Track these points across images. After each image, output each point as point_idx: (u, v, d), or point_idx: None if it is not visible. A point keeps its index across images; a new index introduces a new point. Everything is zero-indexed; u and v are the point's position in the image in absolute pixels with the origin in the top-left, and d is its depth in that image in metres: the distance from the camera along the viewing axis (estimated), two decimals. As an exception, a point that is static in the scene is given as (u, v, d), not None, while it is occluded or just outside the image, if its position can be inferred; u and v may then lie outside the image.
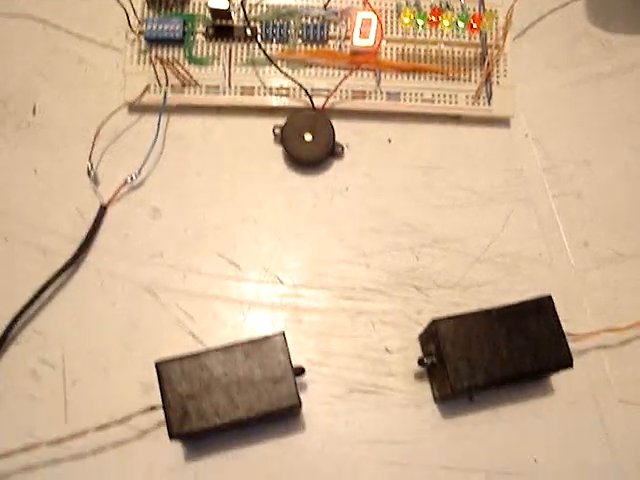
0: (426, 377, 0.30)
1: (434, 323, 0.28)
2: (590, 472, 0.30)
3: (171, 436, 0.26)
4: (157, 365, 0.27)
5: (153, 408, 0.27)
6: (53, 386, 0.30)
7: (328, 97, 0.33)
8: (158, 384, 0.27)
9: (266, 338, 0.27)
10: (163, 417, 0.27)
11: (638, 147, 0.35)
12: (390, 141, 0.35)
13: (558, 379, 0.31)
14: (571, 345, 0.28)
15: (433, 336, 0.28)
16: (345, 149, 0.34)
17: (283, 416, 0.29)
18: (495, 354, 0.28)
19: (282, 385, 0.27)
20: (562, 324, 0.28)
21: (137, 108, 0.34)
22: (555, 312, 0.28)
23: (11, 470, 0.28)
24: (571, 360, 0.28)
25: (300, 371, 0.28)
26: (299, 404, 0.27)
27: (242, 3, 0.33)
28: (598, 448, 0.30)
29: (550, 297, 0.29)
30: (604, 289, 0.32)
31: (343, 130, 0.34)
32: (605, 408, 0.30)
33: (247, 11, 0.34)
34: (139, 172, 0.33)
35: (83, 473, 0.29)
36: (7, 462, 0.28)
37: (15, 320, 0.30)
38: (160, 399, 0.27)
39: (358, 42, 0.33)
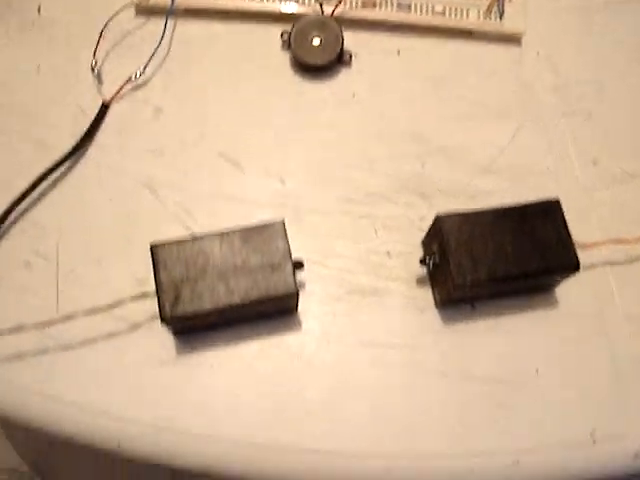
0: (428, 282, 0.30)
1: (438, 219, 0.27)
2: (591, 385, 0.29)
3: (162, 320, 0.26)
4: (152, 247, 0.26)
5: (145, 295, 0.27)
6: (46, 277, 0.29)
7: (337, 4, 0.33)
8: (152, 267, 0.26)
9: (265, 225, 0.27)
10: (156, 309, 0.26)
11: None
12: (399, 53, 0.34)
13: (562, 291, 0.30)
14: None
15: (437, 233, 0.28)
16: (353, 57, 0.33)
17: (279, 311, 0.28)
18: (499, 252, 0.27)
19: (279, 272, 0.26)
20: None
21: (144, 9, 0.34)
22: (563, 215, 0.28)
23: (-1, 358, 0.28)
24: (578, 264, 0.27)
25: (299, 265, 0.27)
26: (296, 292, 0.26)
27: None
28: (600, 361, 0.29)
29: (558, 201, 0.28)
30: (611, 206, 0.32)
31: (352, 39, 0.33)
32: (609, 322, 0.30)
33: None
34: (143, 71, 0.33)
35: (73, 363, 0.28)
36: None
37: (9, 210, 0.30)
38: (154, 286, 0.26)
39: (371, -52, 0.33)
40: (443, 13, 0.34)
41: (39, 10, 0.34)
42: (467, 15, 0.34)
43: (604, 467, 0.28)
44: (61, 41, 0.34)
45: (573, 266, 0.27)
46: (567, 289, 0.30)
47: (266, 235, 0.27)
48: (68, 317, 0.27)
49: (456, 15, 0.34)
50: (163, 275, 0.26)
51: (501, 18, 0.34)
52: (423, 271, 0.30)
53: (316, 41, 0.32)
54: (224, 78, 0.33)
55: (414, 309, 0.29)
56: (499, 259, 0.27)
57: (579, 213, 0.31)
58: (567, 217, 0.29)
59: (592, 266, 0.30)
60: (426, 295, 0.30)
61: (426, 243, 0.30)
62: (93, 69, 0.33)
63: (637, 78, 0.35)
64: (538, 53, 0.35)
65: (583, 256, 0.29)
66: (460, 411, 0.28)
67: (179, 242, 0.26)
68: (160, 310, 0.25)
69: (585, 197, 0.32)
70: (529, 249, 0.27)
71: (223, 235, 0.27)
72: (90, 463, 0.39)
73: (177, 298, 0.26)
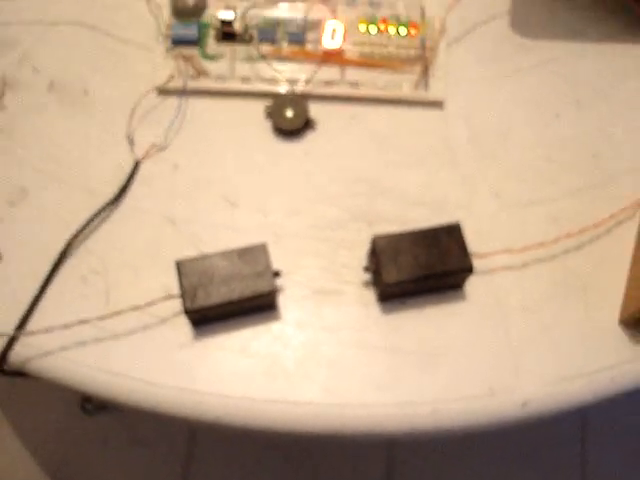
0: (371, 284, 0.41)
1: (374, 239, 0.39)
2: (490, 353, 0.40)
3: (186, 311, 0.37)
4: (177, 263, 0.38)
5: (171, 296, 0.39)
6: (98, 287, 0.40)
7: (305, 85, 0.45)
8: (177, 276, 0.38)
9: (254, 246, 0.38)
10: (179, 307, 0.38)
11: (540, 123, 0.46)
12: (352, 118, 0.45)
13: (469, 288, 0.41)
14: (476, 262, 0.39)
15: (374, 249, 0.39)
16: (318, 123, 0.45)
17: (264, 305, 0.39)
18: (416, 260, 0.38)
19: (263, 277, 0.38)
20: (472, 249, 0.39)
21: (163, 91, 0.43)
22: (461, 233, 0.39)
23: (65, 345, 0.39)
24: (471, 267, 0.39)
25: (277, 273, 0.39)
26: (275, 291, 0.38)
27: (243, 15, 0.45)
28: (497, 337, 0.40)
29: (459, 224, 0.39)
30: (507, 227, 0.43)
31: (316, 109, 0.44)
32: (504, 309, 0.40)
33: (246, 21, 0.46)
34: (165, 138, 0.44)
35: (119, 348, 0.39)
36: (60, 337, 0.38)
37: (71, 242, 0.39)
38: (177, 291, 0.38)
39: (328, 44, 0.45)
40: (384, 87, 0.46)
41: (86, 92, 0.46)
42: (402, 88, 0.46)
43: (500, 414, 0.39)
44: (103, 115, 0.43)
45: (468, 268, 0.39)
46: (472, 287, 0.41)
47: (254, 253, 0.38)
48: (116, 313, 0.38)
49: (393, 88, 0.46)
50: (185, 281, 0.38)
51: (426, 89, 0.46)
52: (367, 277, 0.41)
53: (289, 113, 0.44)
54: (224, 140, 0.44)
55: (361, 304, 0.39)
56: (416, 265, 0.38)
57: (482, 233, 0.42)
58: (473, 236, 0.40)
59: (490, 270, 0.42)
60: (369, 294, 0.40)
61: (369, 256, 0.41)
62: (128, 136, 0.44)
63: (533, 128, 0.45)
64: (456, 114, 0.46)
65: (483, 262, 0.41)
66: (393, 374, 0.39)
67: (195, 259, 0.38)
68: (184, 305, 0.37)
69: (488, 221, 0.43)
70: (437, 258, 0.38)
71: (225, 254, 0.38)
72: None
73: (194, 296, 0.37)
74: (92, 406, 0.87)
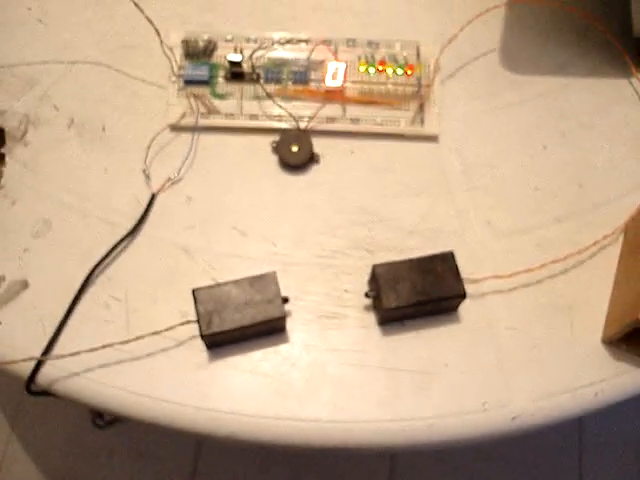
0: (372, 308, 0.44)
1: (374, 267, 0.42)
2: (483, 372, 0.43)
3: (202, 336, 0.40)
4: (194, 291, 0.41)
5: (188, 322, 0.42)
6: (120, 313, 0.42)
7: (309, 121, 0.48)
8: (194, 303, 0.41)
9: (264, 275, 0.41)
10: (195, 332, 0.41)
11: (527, 155, 0.49)
12: (352, 152, 0.48)
13: (463, 311, 0.44)
14: (469, 287, 0.42)
15: (374, 276, 0.42)
16: (321, 157, 0.49)
17: (274, 329, 0.43)
18: (413, 287, 0.42)
19: (274, 304, 0.41)
20: (464, 275, 0.42)
21: (176, 128, 0.46)
22: (455, 261, 0.42)
23: (90, 367, 0.42)
24: (465, 293, 0.42)
25: (285, 300, 0.42)
26: (284, 316, 0.41)
27: (250, 57, 0.49)
28: (489, 356, 0.43)
29: (452, 252, 0.42)
30: (498, 254, 0.46)
31: (319, 144, 0.46)
32: (495, 331, 0.43)
33: (254, 62, 0.49)
34: (178, 172, 0.48)
35: (139, 369, 0.42)
36: (85, 360, 0.40)
37: (93, 270, 0.41)
38: (193, 316, 0.41)
39: (330, 83, 0.48)
40: (382, 123, 0.49)
41: (104, 129, 0.49)
42: (399, 123, 0.49)
43: (493, 427, 0.42)
44: (120, 151, 0.46)
45: (461, 295, 0.42)
46: (466, 310, 0.44)
47: (264, 281, 0.41)
48: (137, 338, 0.41)
49: (391, 124, 0.49)
50: (201, 308, 0.41)
51: (422, 125, 0.49)
52: (368, 301, 0.44)
53: (295, 148, 0.47)
54: (234, 174, 0.47)
55: (362, 327, 0.42)
56: (413, 292, 0.41)
57: (475, 260, 0.45)
58: (465, 263, 0.43)
59: (482, 294, 0.45)
60: (370, 317, 0.43)
61: (369, 282, 0.44)
62: (144, 170, 0.48)
63: (522, 159, 0.48)
64: (450, 147, 0.49)
65: (475, 287, 0.44)
66: (393, 392, 0.42)
67: (209, 287, 0.41)
68: (200, 330, 0.40)
69: (480, 249, 0.46)
70: (433, 284, 0.42)
71: (237, 282, 0.41)
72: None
73: (210, 322, 0.40)
74: (103, 421, 0.90)
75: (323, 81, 0.46)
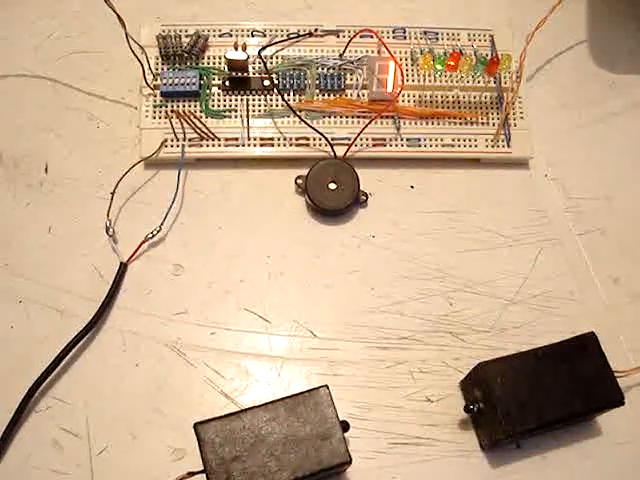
0: (471, 425, 0.29)
1: (479, 367, 0.27)
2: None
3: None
4: (196, 426, 0.25)
5: (191, 474, 0.26)
6: (78, 457, 0.28)
7: (350, 145, 0.33)
8: (198, 447, 0.25)
9: (310, 392, 0.26)
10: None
11: (657, 180, 0.36)
12: (413, 187, 0.34)
13: (605, 418, 0.30)
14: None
15: (480, 381, 0.27)
16: (369, 197, 0.34)
17: (330, 474, 0.27)
18: (544, 396, 0.27)
19: (330, 441, 0.26)
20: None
21: (154, 163, 0.34)
22: (600, 349, 0.28)
23: None
24: (623, 398, 0.27)
25: (346, 426, 0.26)
26: (349, 461, 0.25)
27: (260, 53, 0.33)
28: None
29: (593, 333, 0.28)
30: (638, 325, 0.32)
31: (365, 178, 0.34)
32: None
33: (265, 61, 0.34)
34: (159, 228, 0.32)
35: None
36: None
37: (34, 388, 0.29)
38: (198, 463, 0.25)
39: (376, 89, 0.33)
40: (452, 145, 0.34)
41: (46, 169, 0.34)
42: (475, 144, 0.34)
43: None
44: (70, 200, 0.34)
45: (618, 401, 0.27)
46: (609, 416, 0.30)
47: (312, 403, 0.26)
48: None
49: (465, 145, 0.34)
50: (211, 455, 0.25)
51: (508, 144, 0.34)
52: (464, 415, 0.29)
53: (332, 186, 0.33)
54: (241, 226, 0.33)
55: (459, 455, 0.29)
56: (545, 404, 0.27)
57: (608, 335, 0.31)
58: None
59: (631, 387, 0.30)
60: (470, 438, 0.29)
61: (466, 388, 0.29)
62: (107, 230, 0.32)
63: None
64: (546, 175, 0.35)
65: (622, 382, 0.29)
66: None
67: (222, 418, 0.26)
68: (213, 496, 0.25)
69: (612, 318, 0.32)
70: (572, 389, 0.27)
71: (268, 406, 0.26)
72: None
73: (228, 479, 0.25)
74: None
75: (365, 87, 0.33)
